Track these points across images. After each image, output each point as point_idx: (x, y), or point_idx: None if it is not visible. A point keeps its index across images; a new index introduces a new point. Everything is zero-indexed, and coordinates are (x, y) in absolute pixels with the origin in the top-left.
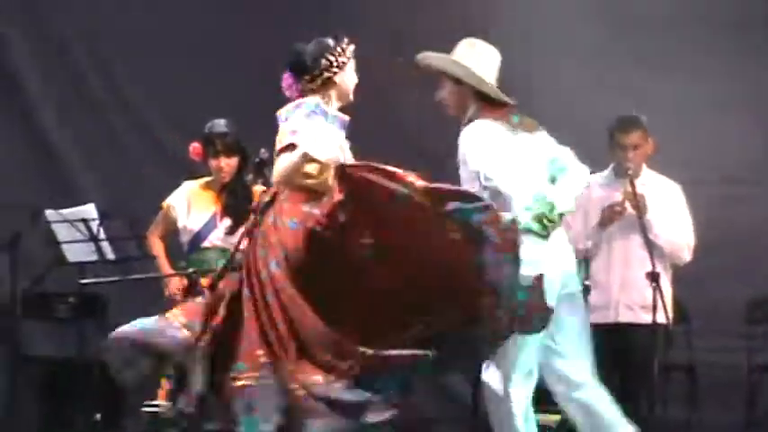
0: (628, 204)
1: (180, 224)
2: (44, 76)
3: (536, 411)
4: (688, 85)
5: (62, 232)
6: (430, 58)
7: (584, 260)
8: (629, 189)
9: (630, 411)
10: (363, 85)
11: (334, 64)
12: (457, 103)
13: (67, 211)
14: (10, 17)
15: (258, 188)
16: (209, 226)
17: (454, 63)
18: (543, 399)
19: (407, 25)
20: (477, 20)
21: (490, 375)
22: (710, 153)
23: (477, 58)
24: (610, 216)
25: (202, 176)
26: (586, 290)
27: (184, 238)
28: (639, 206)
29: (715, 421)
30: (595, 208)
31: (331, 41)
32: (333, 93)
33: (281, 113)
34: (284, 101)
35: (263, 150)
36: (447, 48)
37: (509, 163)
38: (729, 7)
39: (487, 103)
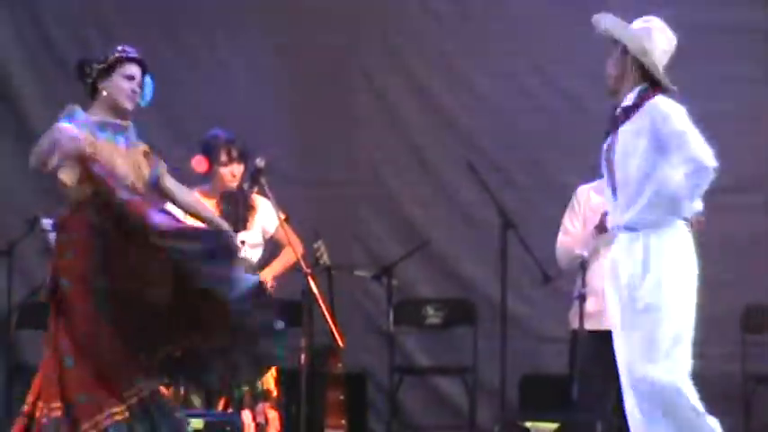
0: None
1: None
2: (41, 85)
3: (533, 420)
4: (686, 94)
5: None
6: (610, 23)
7: (581, 268)
8: None
9: (626, 419)
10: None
11: (93, 72)
12: (619, 74)
13: None
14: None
15: (254, 197)
16: None
17: (633, 37)
18: (539, 407)
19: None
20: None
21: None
22: None
23: (656, 38)
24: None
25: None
26: (582, 299)
27: None
28: None
29: None
30: (593, 215)
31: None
32: (102, 102)
33: None
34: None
35: (259, 159)
36: None
37: None
38: (731, 14)
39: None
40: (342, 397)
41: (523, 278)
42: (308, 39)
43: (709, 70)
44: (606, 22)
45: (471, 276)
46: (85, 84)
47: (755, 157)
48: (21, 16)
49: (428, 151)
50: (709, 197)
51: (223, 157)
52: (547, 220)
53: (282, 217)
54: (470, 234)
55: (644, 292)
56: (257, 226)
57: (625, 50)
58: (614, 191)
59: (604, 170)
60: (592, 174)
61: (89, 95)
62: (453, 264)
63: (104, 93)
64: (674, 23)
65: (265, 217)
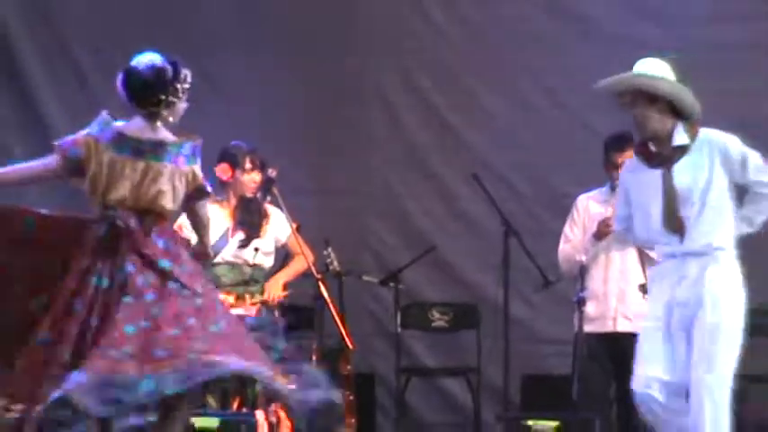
0: None
1: (193, 241)
2: (53, 81)
3: (534, 418)
4: None
5: None
6: (626, 80)
7: (581, 273)
8: None
9: (627, 420)
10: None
11: (179, 92)
12: (660, 122)
13: None
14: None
15: (267, 206)
16: (222, 242)
17: (666, 82)
18: (540, 406)
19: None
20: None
21: None
22: None
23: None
24: (603, 230)
25: None
26: (581, 302)
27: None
28: None
29: None
30: (593, 223)
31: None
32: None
33: None
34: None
35: (270, 170)
36: None
37: None
38: (738, 28)
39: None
40: (351, 397)
41: (525, 283)
42: (322, 59)
43: (709, 86)
44: (637, 81)
45: (475, 281)
46: (164, 91)
47: None
48: (42, 37)
49: (435, 164)
50: None
51: (247, 165)
52: (547, 228)
53: (294, 226)
54: (474, 241)
55: None
56: (270, 234)
57: (656, 99)
58: None
59: None
60: (590, 184)
61: (151, 105)
62: (458, 270)
63: (170, 119)
64: (673, 41)
65: (278, 226)
